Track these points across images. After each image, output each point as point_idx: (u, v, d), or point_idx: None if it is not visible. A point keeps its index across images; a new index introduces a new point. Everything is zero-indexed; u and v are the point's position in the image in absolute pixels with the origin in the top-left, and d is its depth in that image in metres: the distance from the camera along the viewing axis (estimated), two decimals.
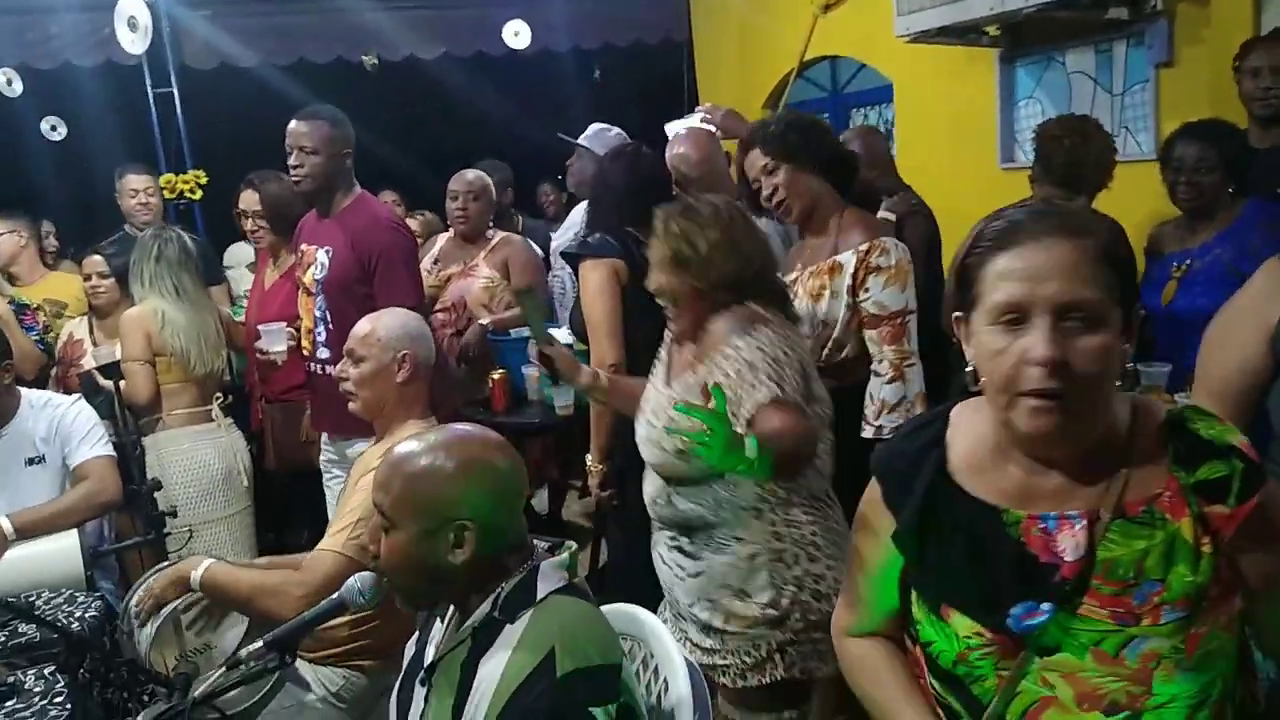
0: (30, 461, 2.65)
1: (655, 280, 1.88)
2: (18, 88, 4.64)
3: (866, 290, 2.19)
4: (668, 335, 2.03)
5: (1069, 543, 1.05)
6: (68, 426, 2.67)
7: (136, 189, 4.04)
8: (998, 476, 1.11)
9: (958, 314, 1.13)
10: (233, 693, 1.57)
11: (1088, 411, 1.04)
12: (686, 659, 1.48)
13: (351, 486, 2.09)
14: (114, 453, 2.75)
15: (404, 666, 1.53)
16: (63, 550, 2.39)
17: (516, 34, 5.47)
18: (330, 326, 2.90)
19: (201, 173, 4.95)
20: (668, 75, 6.15)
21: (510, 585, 1.34)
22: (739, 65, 5.85)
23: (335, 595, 1.50)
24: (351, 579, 1.50)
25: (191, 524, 3.02)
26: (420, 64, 5.48)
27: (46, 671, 1.84)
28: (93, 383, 3.08)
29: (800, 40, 4.93)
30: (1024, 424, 1.04)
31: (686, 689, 1.42)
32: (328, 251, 2.89)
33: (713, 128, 3.11)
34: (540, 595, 1.34)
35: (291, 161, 2.88)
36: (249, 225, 3.54)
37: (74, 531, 2.45)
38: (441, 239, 3.89)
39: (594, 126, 3.60)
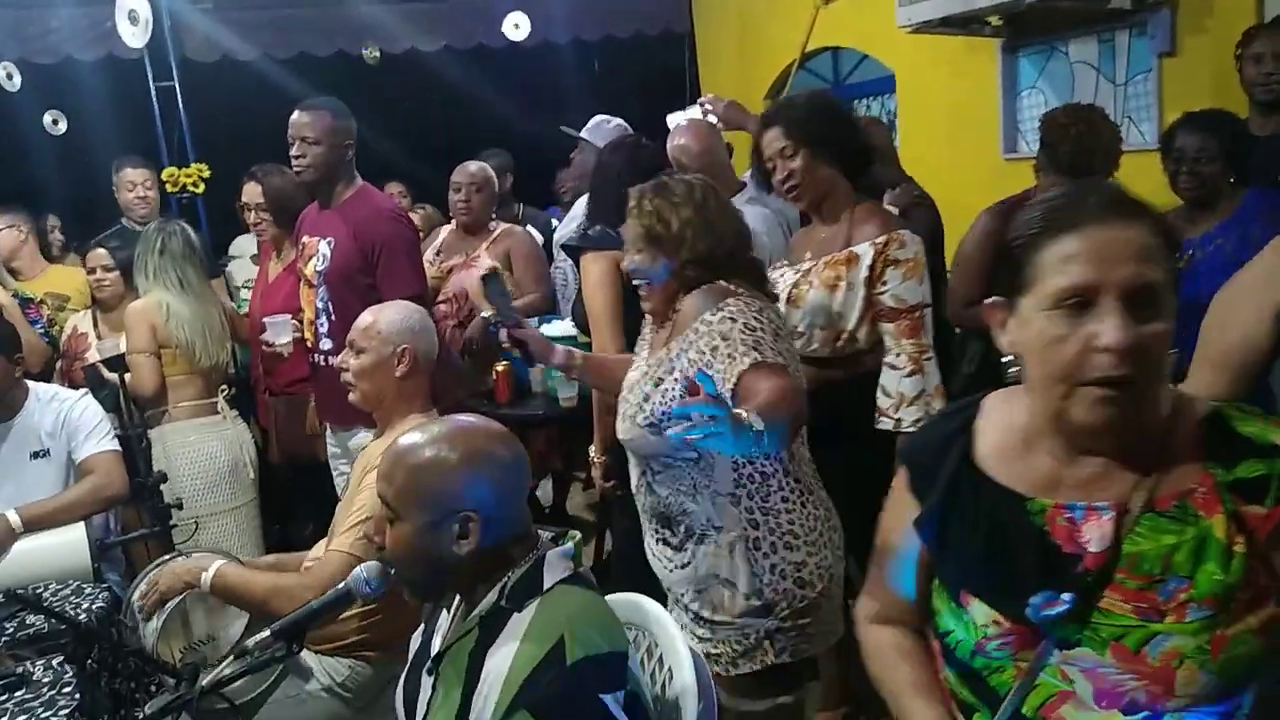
0: (35, 455, 2.66)
1: (629, 258, 1.89)
2: (17, 82, 4.64)
3: (885, 283, 2.17)
4: (647, 317, 2.04)
5: (1094, 533, 1.03)
6: (74, 421, 2.68)
7: (134, 182, 4.03)
8: (1026, 465, 1.09)
9: (996, 300, 1.08)
10: (239, 682, 1.59)
11: (1147, 401, 1.01)
12: (691, 647, 1.49)
13: (356, 484, 2.10)
14: (119, 447, 2.76)
15: (410, 657, 1.54)
16: (70, 543, 2.40)
17: (517, 26, 5.46)
18: (332, 318, 2.91)
19: (204, 166, 4.95)
20: (669, 67, 6.15)
21: (516, 575, 1.35)
22: (740, 57, 5.84)
23: (342, 585, 1.51)
24: (358, 569, 1.51)
25: (198, 516, 3.04)
26: (421, 57, 5.48)
27: (55, 662, 1.85)
28: (97, 376, 3.08)
29: (802, 31, 4.92)
30: (1085, 415, 1.00)
31: (691, 677, 1.43)
32: (329, 242, 2.90)
33: (714, 119, 3.11)
34: (547, 585, 1.34)
35: (294, 152, 2.89)
36: (252, 218, 3.55)
37: (81, 524, 2.46)
38: (444, 231, 3.90)
39: (594, 119, 3.60)
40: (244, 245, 4.25)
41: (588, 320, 2.61)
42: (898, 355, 2.19)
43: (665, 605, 1.68)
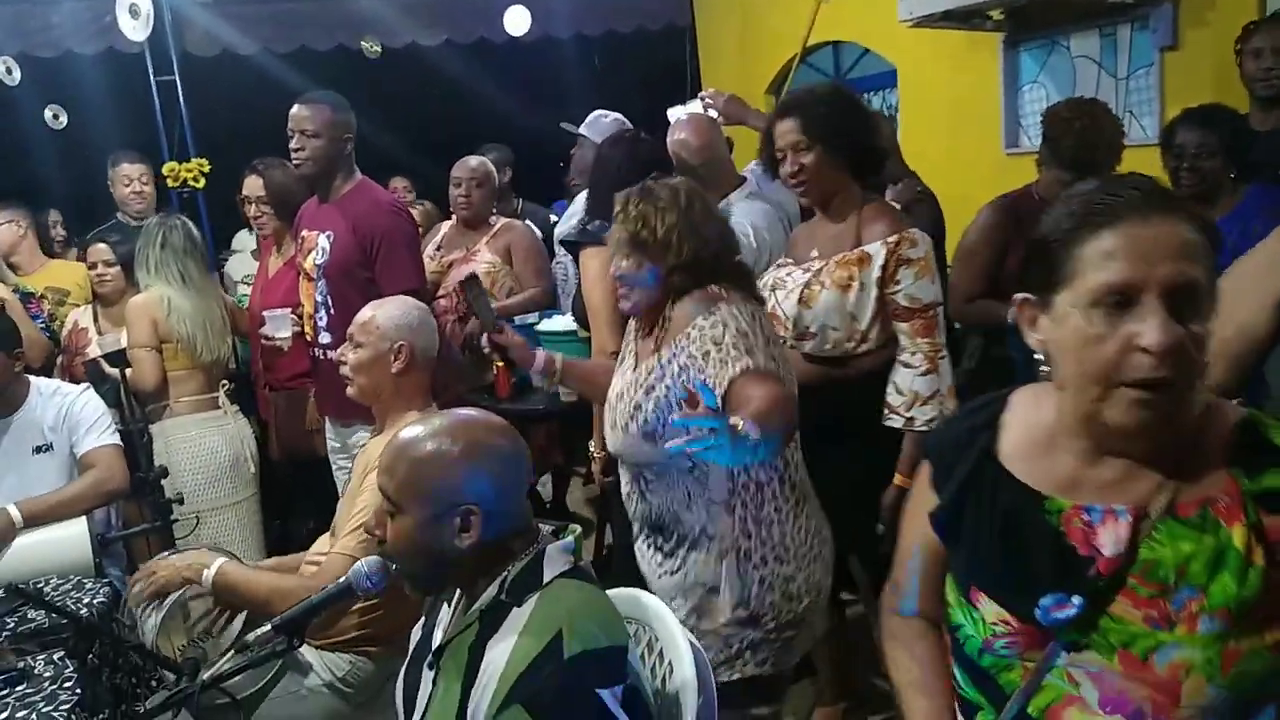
0: (38, 449, 2.66)
1: (615, 264, 1.88)
2: (17, 76, 4.63)
3: (898, 282, 2.15)
4: (632, 324, 2.03)
5: (1109, 537, 1.01)
6: (76, 415, 2.68)
7: (130, 177, 4.02)
8: (1048, 464, 1.07)
9: (1027, 296, 1.06)
10: (240, 677, 1.59)
11: (1185, 404, 0.98)
12: (691, 641, 1.49)
13: (358, 483, 2.10)
14: (120, 442, 2.76)
15: (410, 651, 1.54)
16: (71, 537, 2.40)
17: (518, 21, 5.45)
18: (331, 311, 2.91)
19: (205, 161, 4.95)
20: (670, 61, 6.13)
21: (516, 569, 1.35)
22: (742, 51, 5.83)
23: (342, 579, 1.51)
24: (358, 563, 1.51)
25: (198, 511, 3.04)
26: (421, 51, 5.47)
27: (56, 656, 1.85)
28: (99, 370, 3.09)
29: (803, 26, 4.90)
30: (1120, 416, 0.97)
31: (691, 671, 1.43)
32: (329, 236, 2.90)
33: (714, 114, 3.10)
34: (546, 579, 1.34)
35: (293, 145, 2.90)
36: (252, 211, 3.55)
37: (83, 519, 2.47)
38: (445, 226, 3.89)
39: (592, 114, 3.59)
40: (244, 240, 4.25)
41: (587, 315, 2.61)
42: (913, 354, 2.17)
43: None
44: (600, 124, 3.47)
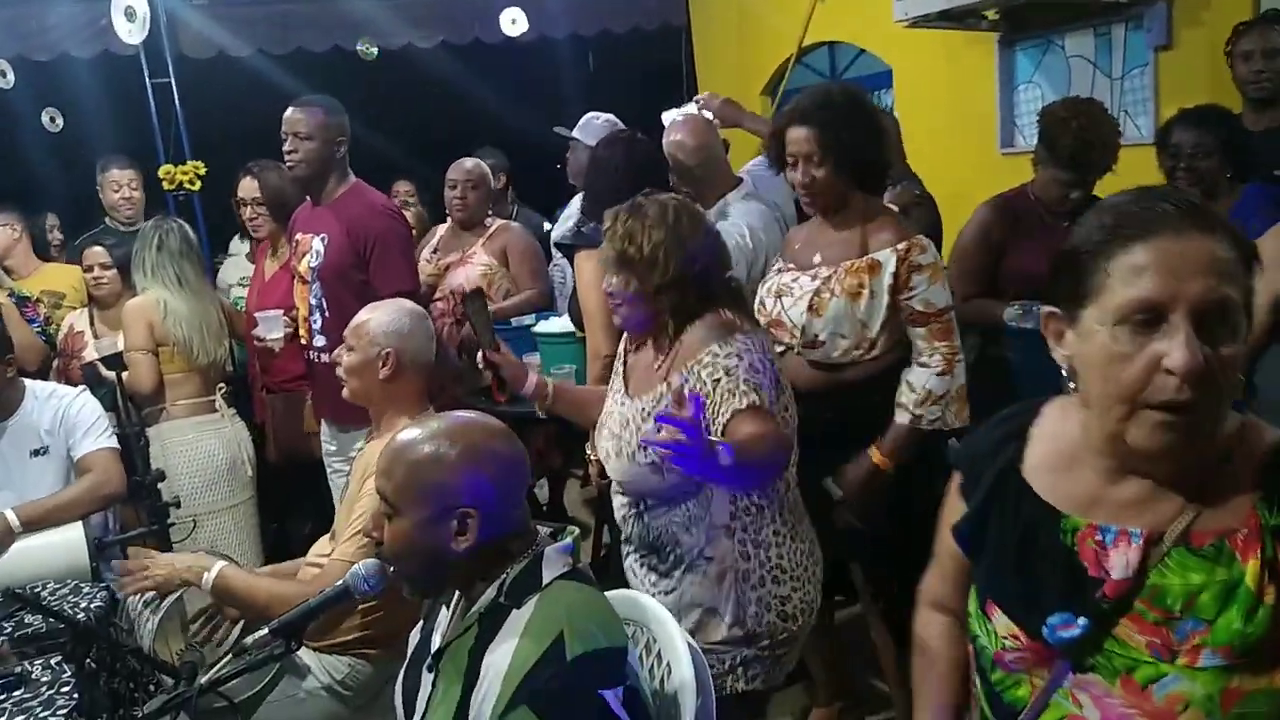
0: (35, 453, 2.65)
1: (606, 280, 1.87)
2: (11, 79, 4.63)
3: (913, 289, 2.16)
4: (624, 344, 2.02)
5: (1120, 560, 0.98)
6: (72, 418, 2.68)
7: (119, 183, 4.00)
8: (1069, 480, 1.05)
9: (1053, 310, 1.02)
10: (238, 680, 1.58)
11: (1212, 428, 0.95)
12: (689, 643, 1.49)
13: (356, 488, 2.09)
14: (117, 445, 2.76)
15: (409, 654, 1.54)
16: (68, 542, 2.40)
17: (514, 21, 5.45)
18: (326, 314, 2.91)
19: (200, 164, 4.94)
20: (666, 62, 6.14)
21: (515, 571, 1.35)
22: (737, 51, 5.84)
23: (340, 583, 1.51)
24: (356, 567, 1.51)
25: (195, 514, 3.04)
26: (417, 53, 5.47)
27: (53, 661, 1.85)
28: (95, 373, 3.08)
29: (799, 26, 4.91)
30: (1143, 438, 0.94)
31: (690, 673, 1.43)
32: (323, 239, 2.91)
33: (709, 116, 3.10)
34: (545, 581, 1.34)
35: (286, 147, 2.91)
36: (248, 213, 3.54)
37: (79, 523, 2.46)
38: (441, 229, 3.89)
39: (585, 117, 3.59)
40: (239, 245, 4.24)
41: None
42: (931, 355, 2.18)
43: None
44: (593, 126, 3.47)
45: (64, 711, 1.67)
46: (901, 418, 2.20)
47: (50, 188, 4.84)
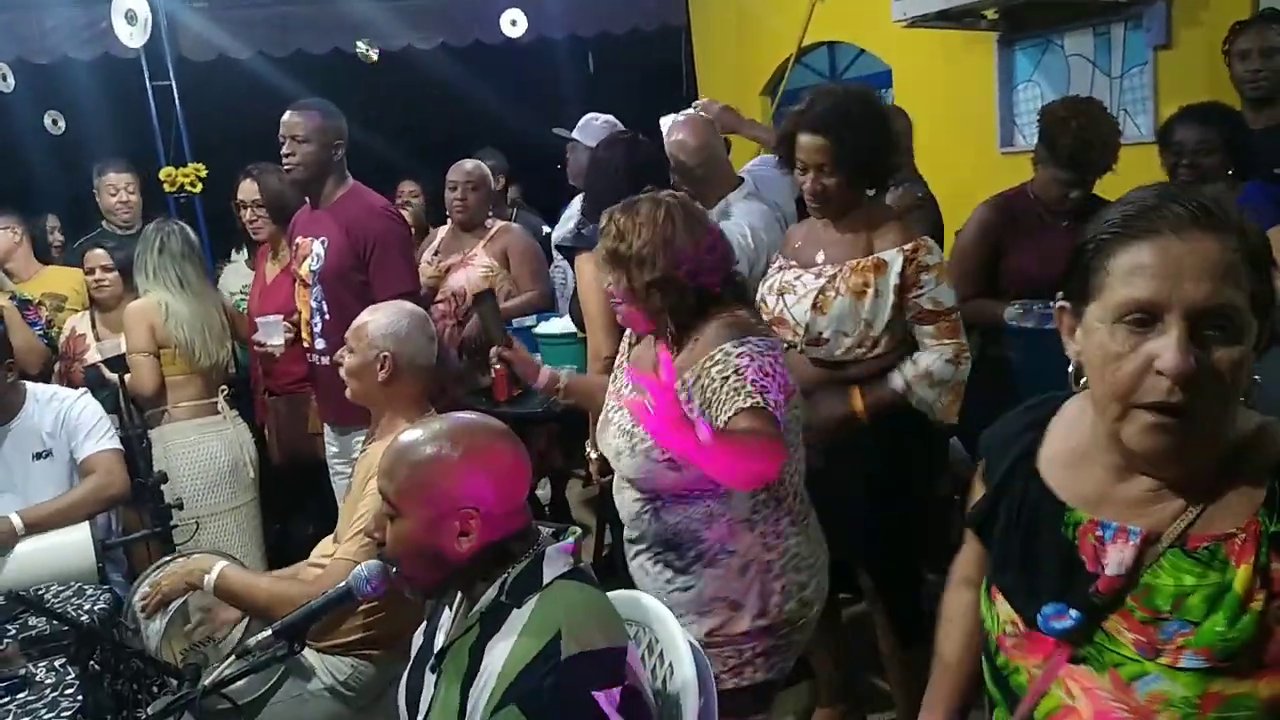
0: (38, 455, 2.66)
1: (605, 278, 1.87)
2: (12, 82, 4.63)
3: (921, 288, 2.16)
4: (626, 340, 2.02)
5: (1115, 557, 0.99)
6: (74, 420, 2.69)
7: (116, 187, 4.00)
8: (1077, 475, 1.06)
9: (1064, 303, 1.03)
10: (242, 682, 1.59)
11: (1210, 432, 0.93)
12: (691, 642, 1.49)
13: (359, 489, 2.10)
14: (120, 446, 2.77)
15: (413, 655, 1.54)
16: (75, 543, 2.41)
17: (514, 23, 5.46)
18: (327, 316, 2.92)
19: (201, 166, 4.95)
20: (665, 62, 6.15)
21: (516, 571, 1.36)
22: (737, 51, 5.84)
23: (342, 584, 1.52)
24: (358, 568, 1.52)
25: (198, 516, 3.05)
26: (417, 54, 5.48)
27: (57, 663, 1.85)
28: (98, 376, 3.09)
29: (798, 26, 4.91)
30: (1137, 441, 0.94)
31: (692, 673, 1.44)
32: (323, 242, 2.91)
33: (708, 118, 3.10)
34: (546, 580, 1.35)
35: (284, 151, 2.92)
36: (248, 216, 3.55)
37: (85, 525, 2.47)
38: (441, 230, 3.90)
39: (584, 118, 3.60)
40: (238, 254, 4.21)
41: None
42: (942, 347, 2.18)
43: None
44: (592, 127, 3.47)
45: (68, 714, 1.68)
46: (895, 382, 2.19)
47: (51, 190, 4.85)
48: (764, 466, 1.59)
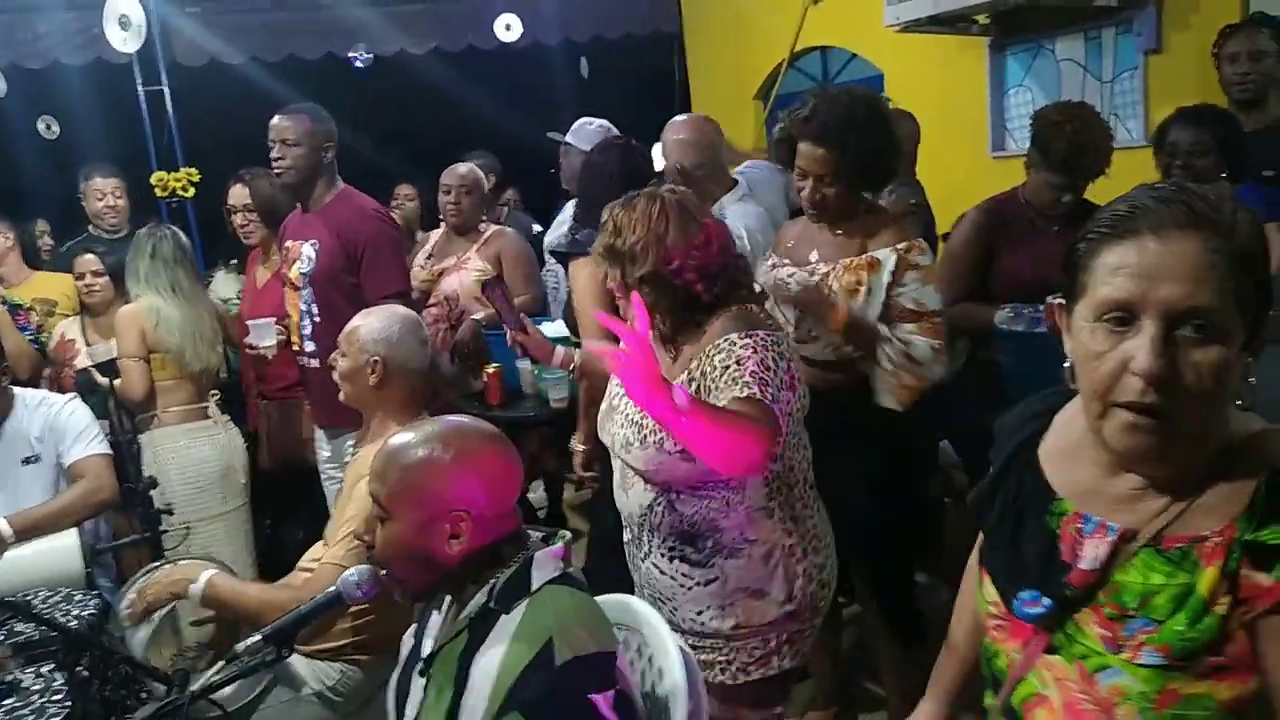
0: (26, 461, 2.65)
1: (608, 275, 1.87)
2: (4, 87, 4.62)
3: (904, 285, 2.16)
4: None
5: (1090, 551, 1.00)
6: (63, 425, 2.68)
7: (103, 191, 3.97)
8: (1073, 468, 1.07)
9: (1060, 301, 1.04)
10: (230, 688, 1.58)
11: (1191, 433, 0.93)
12: (680, 646, 1.49)
13: (348, 492, 2.10)
14: (110, 451, 2.75)
15: (401, 659, 1.54)
16: (63, 549, 2.40)
17: (508, 27, 5.47)
18: (317, 319, 2.92)
19: (194, 171, 4.94)
20: (659, 67, 6.16)
21: (505, 576, 1.35)
22: (730, 56, 5.86)
23: (331, 589, 1.51)
24: (348, 572, 1.51)
25: (188, 521, 3.03)
26: (410, 59, 5.48)
27: (45, 669, 1.84)
28: (89, 380, 3.08)
29: (791, 31, 4.93)
30: (1116, 439, 0.95)
31: (681, 676, 1.43)
32: (314, 245, 2.91)
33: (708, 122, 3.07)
34: (535, 586, 1.34)
35: (274, 155, 2.92)
36: (239, 220, 3.54)
37: (74, 530, 2.46)
38: (435, 234, 3.90)
39: (577, 122, 3.60)
40: (226, 273, 4.19)
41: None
42: (929, 339, 2.16)
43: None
44: (586, 131, 3.47)
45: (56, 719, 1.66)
46: (881, 328, 2.16)
47: (43, 195, 4.84)
48: (747, 452, 1.55)
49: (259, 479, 3.39)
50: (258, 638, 1.46)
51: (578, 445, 2.60)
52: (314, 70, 5.20)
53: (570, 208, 3.11)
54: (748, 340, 1.71)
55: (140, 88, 4.90)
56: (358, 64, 5.26)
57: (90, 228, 4.03)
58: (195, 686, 1.45)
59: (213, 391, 3.30)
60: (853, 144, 2.16)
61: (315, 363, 2.90)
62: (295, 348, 3.04)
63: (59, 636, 1.81)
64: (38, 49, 4.76)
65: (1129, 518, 1.00)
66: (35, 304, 3.69)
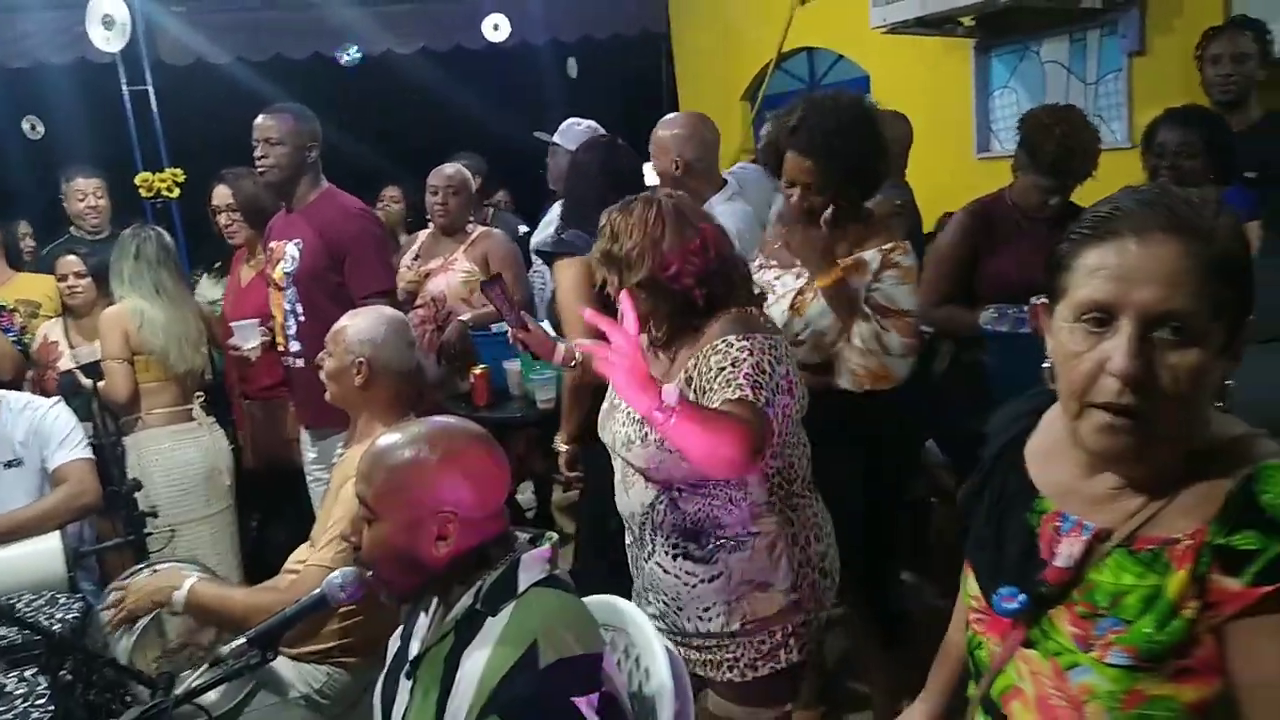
0: (8, 464, 2.63)
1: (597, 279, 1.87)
2: None
3: (880, 282, 2.16)
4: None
5: (1065, 550, 1.01)
6: (46, 429, 2.66)
7: (84, 192, 3.95)
8: (1055, 467, 1.08)
9: (1042, 300, 1.04)
10: (216, 691, 1.58)
11: (1167, 435, 0.94)
12: (667, 647, 1.49)
13: (335, 493, 2.09)
14: (93, 455, 2.74)
15: (388, 661, 1.53)
16: (45, 552, 2.37)
17: (496, 28, 5.46)
18: (301, 319, 2.91)
19: (179, 171, 4.91)
20: (646, 67, 6.17)
21: (492, 578, 1.35)
22: (717, 57, 5.87)
23: (316, 591, 1.50)
24: (333, 574, 1.51)
25: (173, 524, 3.01)
26: (397, 59, 5.46)
27: (28, 673, 1.83)
28: (73, 383, 3.06)
29: (778, 32, 4.95)
30: (1092, 440, 0.96)
31: (668, 677, 1.44)
32: (298, 244, 2.90)
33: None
34: (521, 588, 1.34)
35: (257, 154, 2.91)
36: (223, 220, 3.52)
37: (56, 533, 2.44)
38: (422, 234, 3.89)
39: (565, 122, 3.60)
40: (210, 283, 4.16)
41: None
42: (899, 336, 2.15)
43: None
44: (573, 131, 3.47)
45: None
46: (865, 309, 2.16)
47: (22, 196, 4.80)
48: (733, 451, 1.53)
49: (244, 480, 3.38)
50: (242, 640, 1.45)
51: (561, 445, 2.60)
52: (301, 70, 5.18)
53: (557, 208, 3.11)
54: (745, 343, 1.71)
55: (125, 87, 4.87)
56: (344, 63, 5.24)
57: (72, 229, 4.00)
58: (180, 690, 1.44)
59: (197, 393, 3.28)
60: (838, 157, 2.15)
61: (300, 363, 2.89)
62: (280, 348, 3.03)
63: (42, 640, 1.79)
64: (21, 48, 4.72)
65: (1105, 517, 1.01)
66: (18, 305, 3.66)
